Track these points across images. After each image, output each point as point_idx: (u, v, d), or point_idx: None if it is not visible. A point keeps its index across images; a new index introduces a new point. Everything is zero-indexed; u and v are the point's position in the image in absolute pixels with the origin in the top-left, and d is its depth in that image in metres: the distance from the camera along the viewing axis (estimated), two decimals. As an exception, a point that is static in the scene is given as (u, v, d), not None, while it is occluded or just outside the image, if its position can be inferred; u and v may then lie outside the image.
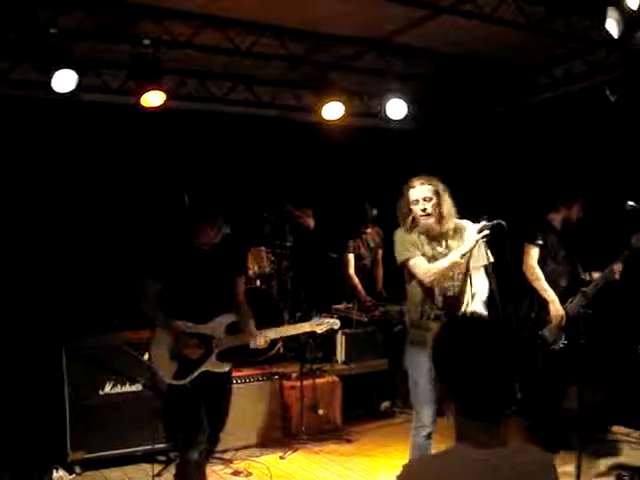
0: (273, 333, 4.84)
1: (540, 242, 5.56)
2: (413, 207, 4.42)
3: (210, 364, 4.51)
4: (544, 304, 5.54)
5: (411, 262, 4.39)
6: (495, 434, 1.97)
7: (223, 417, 4.71)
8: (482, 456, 1.92)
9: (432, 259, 4.40)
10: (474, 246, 4.23)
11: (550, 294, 5.50)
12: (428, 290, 4.39)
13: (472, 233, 4.24)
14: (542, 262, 5.59)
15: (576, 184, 6.14)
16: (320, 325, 4.91)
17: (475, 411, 1.97)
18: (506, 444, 1.97)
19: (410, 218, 4.44)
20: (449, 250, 4.42)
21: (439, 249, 4.45)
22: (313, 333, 5.23)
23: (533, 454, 2.03)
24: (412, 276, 4.45)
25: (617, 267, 5.41)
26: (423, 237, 4.46)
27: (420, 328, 4.38)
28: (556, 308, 5.48)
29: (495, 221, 4.15)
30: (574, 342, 5.30)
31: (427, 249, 4.43)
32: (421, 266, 4.36)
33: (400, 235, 4.52)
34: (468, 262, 4.41)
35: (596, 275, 5.61)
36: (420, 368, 4.31)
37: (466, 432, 1.98)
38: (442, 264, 4.32)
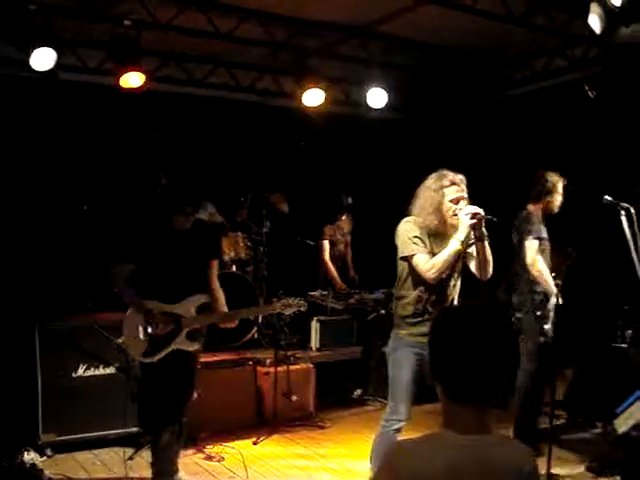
0: (243, 313, 4.94)
1: (542, 235, 5.46)
2: (449, 204, 4.19)
3: (180, 342, 4.63)
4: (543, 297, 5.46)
5: (415, 258, 4.20)
6: (481, 420, 1.98)
7: (187, 396, 4.81)
8: (465, 442, 1.94)
9: None
10: (469, 231, 4.10)
11: (552, 286, 5.41)
12: (429, 287, 4.25)
13: (464, 218, 4.09)
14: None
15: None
16: (288, 307, 4.97)
17: (462, 393, 1.98)
18: (490, 432, 1.99)
19: (437, 216, 4.20)
20: None
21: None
22: (280, 314, 5.43)
23: (515, 446, 2.06)
24: (409, 272, 4.29)
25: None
26: (432, 236, 4.27)
27: (411, 325, 4.27)
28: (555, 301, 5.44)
29: (488, 216, 4.09)
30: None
31: (436, 249, 4.24)
32: (425, 262, 4.17)
33: (407, 228, 4.28)
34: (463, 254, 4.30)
35: None
36: (405, 365, 4.25)
37: (452, 417, 2.00)
38: (443, 255, 4.14)
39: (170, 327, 4.60)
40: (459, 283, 4.43)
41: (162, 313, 4.60)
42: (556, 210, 5.67)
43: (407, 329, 4.31)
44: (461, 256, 4.28)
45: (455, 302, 4.40)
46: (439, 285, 4.27)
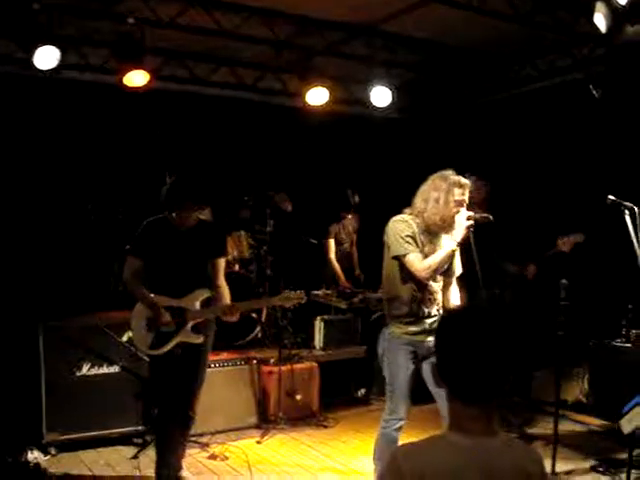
0: (244, 306, 5.01)
1: None
2: (454, 206, 4.16)
3: (184, 335, 4.73)
4: None
5: (408, 257, 4.18)
6: (487, 422, 1.97)
7: (196, 390, 4.87)
8: (470, 445, 1.93)
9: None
10: (467, 233, 4.12)
11: None
12: (421, 287, 4.25)
13: (462, 219, 4.12)
14: None
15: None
16: (288, 300, 5.01)
17: (469, 394, 1.98)
18: (496, 434, 1.98)
19: (442, 212, 4.16)
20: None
21: (437, 248, 4.27)
22: (281, 306, 5.51)
23: (521, 449, 2.05)
24: (400, 271, 4.26)
25: (531, 268, 5.53)
26: (424, 234, 4.26)
27: (406, 325, 4.25)
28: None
29: (484, 214, 4.15)
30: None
31: (427, 247, 4.24)
32: (418, 262, 4.17)
33: (399, 227, 4.25)
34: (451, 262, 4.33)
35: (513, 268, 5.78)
36: (401, 364, 4.24)
37: (458, 419, 1.99)
38: (439, 256, 4.17)
39: (175, 320, 4.69)
40: (455, 282, 4.44)
41: (167, 307, 4.69)
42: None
43: (402, 328, 4.28)
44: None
45: (453, 301, 4.41)
46: (430, 284, 4.28)
